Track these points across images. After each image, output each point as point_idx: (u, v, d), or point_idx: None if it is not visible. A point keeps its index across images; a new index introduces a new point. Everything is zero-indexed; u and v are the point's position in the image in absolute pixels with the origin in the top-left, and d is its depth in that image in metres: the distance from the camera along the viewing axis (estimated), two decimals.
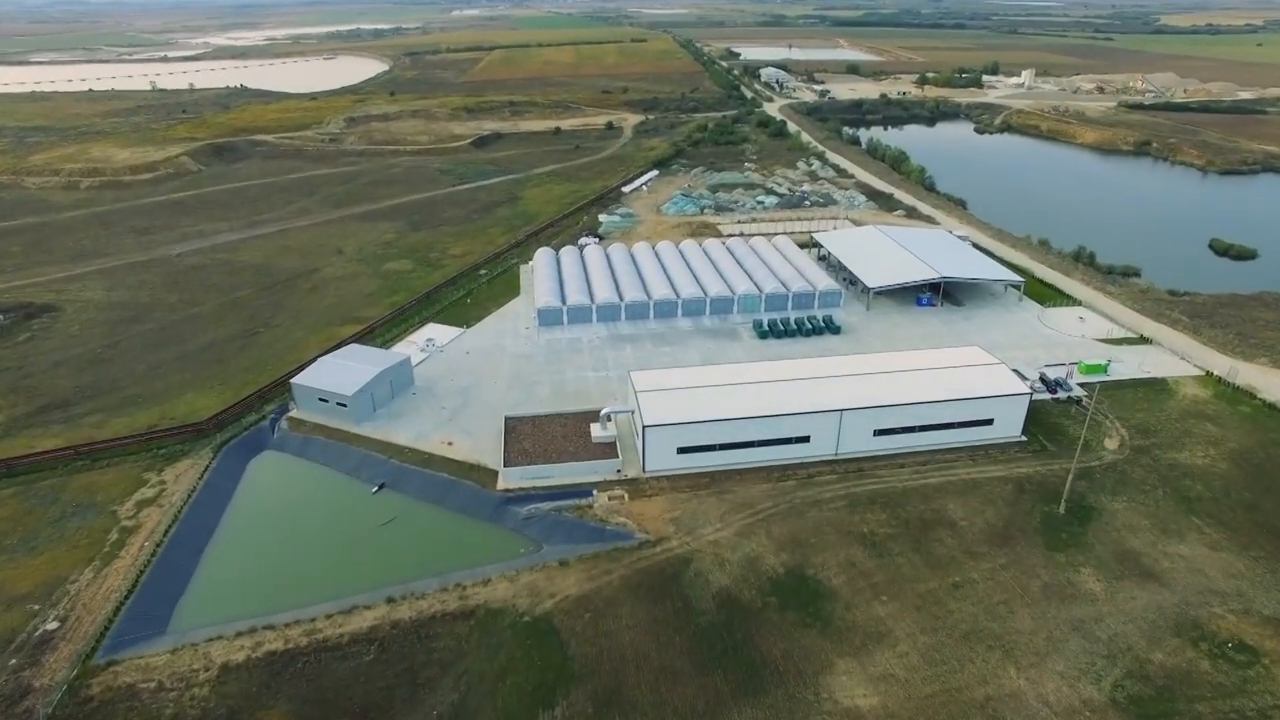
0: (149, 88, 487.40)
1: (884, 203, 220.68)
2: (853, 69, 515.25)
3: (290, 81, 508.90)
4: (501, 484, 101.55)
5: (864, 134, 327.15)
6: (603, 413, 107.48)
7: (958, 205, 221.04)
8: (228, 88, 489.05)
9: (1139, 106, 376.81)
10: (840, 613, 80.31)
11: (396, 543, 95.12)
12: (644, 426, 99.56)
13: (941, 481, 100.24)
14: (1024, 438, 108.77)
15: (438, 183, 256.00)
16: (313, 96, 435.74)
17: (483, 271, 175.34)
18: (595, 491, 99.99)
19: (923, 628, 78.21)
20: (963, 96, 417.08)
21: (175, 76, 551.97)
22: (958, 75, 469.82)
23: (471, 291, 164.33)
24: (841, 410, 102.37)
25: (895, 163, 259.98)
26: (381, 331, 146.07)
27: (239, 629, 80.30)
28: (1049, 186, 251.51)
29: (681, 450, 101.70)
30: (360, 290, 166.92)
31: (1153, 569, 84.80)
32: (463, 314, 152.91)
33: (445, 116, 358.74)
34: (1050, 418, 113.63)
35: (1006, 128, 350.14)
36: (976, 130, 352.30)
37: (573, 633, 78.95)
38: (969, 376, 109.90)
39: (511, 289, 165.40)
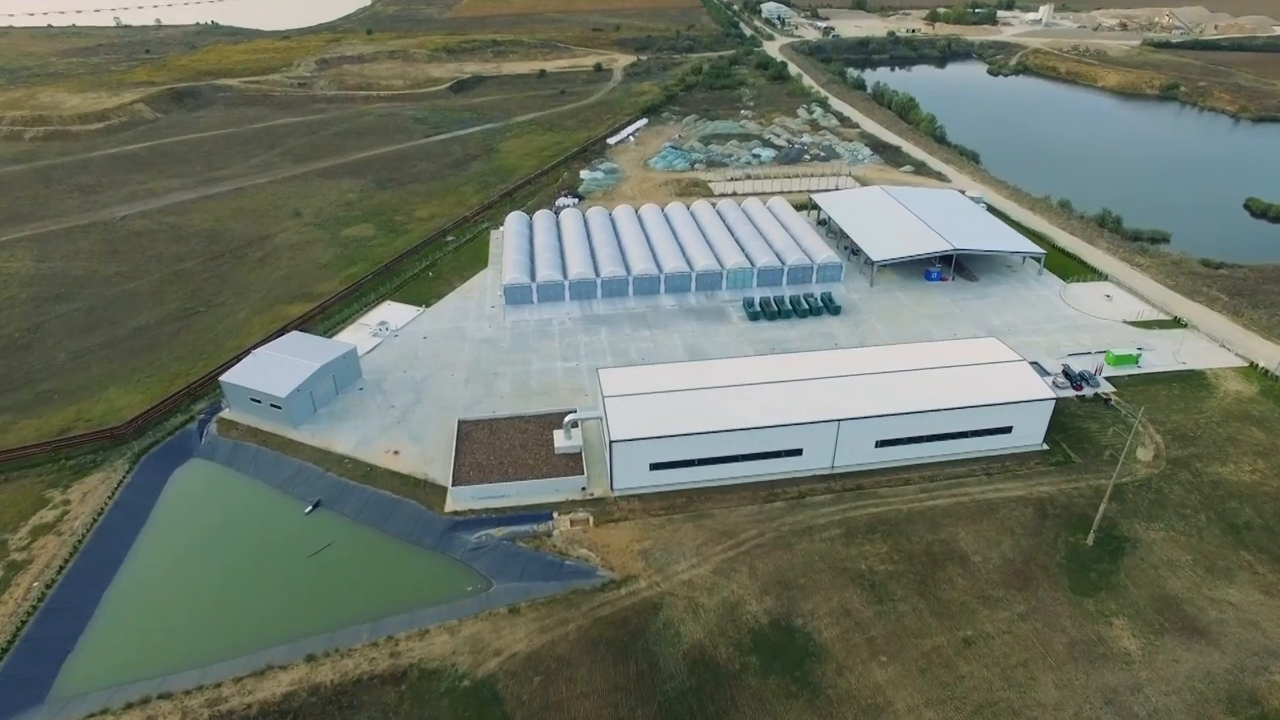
0: (113, 24, 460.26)
1: (890, 156, 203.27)
2: (859, 3, 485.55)
3: (265, 17, 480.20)
4: (450, 505, 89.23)
5: (870, 76, 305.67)
6: (567, 419, 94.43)
7: (970, 160, 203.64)
8: (197, 24, 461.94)
9: (1165, 45, 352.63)
10: (832, 677, 68.69)
11: (327, 578, 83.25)
12: (611, 442, 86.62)
13: (951, 503, 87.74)
14: (1045, 446, 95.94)
15: (410, 133, 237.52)
16: (285, 35, 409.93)
17: (450, 238, 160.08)
18: (556, 514, 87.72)
19: (929, 698, 66.68)
20: (975, 34, 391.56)
21: (144, 11, 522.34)
22: (970, 11, 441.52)
23: (435, 263, 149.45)
24: (839, 420, 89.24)
25: (903, 110, 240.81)
26: (334, 311, 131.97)
27: (130, 698, 68.88)
28: (1068, 137, 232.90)
29: (655, 466, 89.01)
30: (314, 260, 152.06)
31: (1198, 621, 72.88)
32: (423, 290, 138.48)
33: (424, 58, 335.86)
34: (1075, 420, 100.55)
35: (1022, 69, 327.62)
36: (990, 72, 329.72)
37: (518, 702, 67.52)
38: (985, 376, 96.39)
39: (479, 258, 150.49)
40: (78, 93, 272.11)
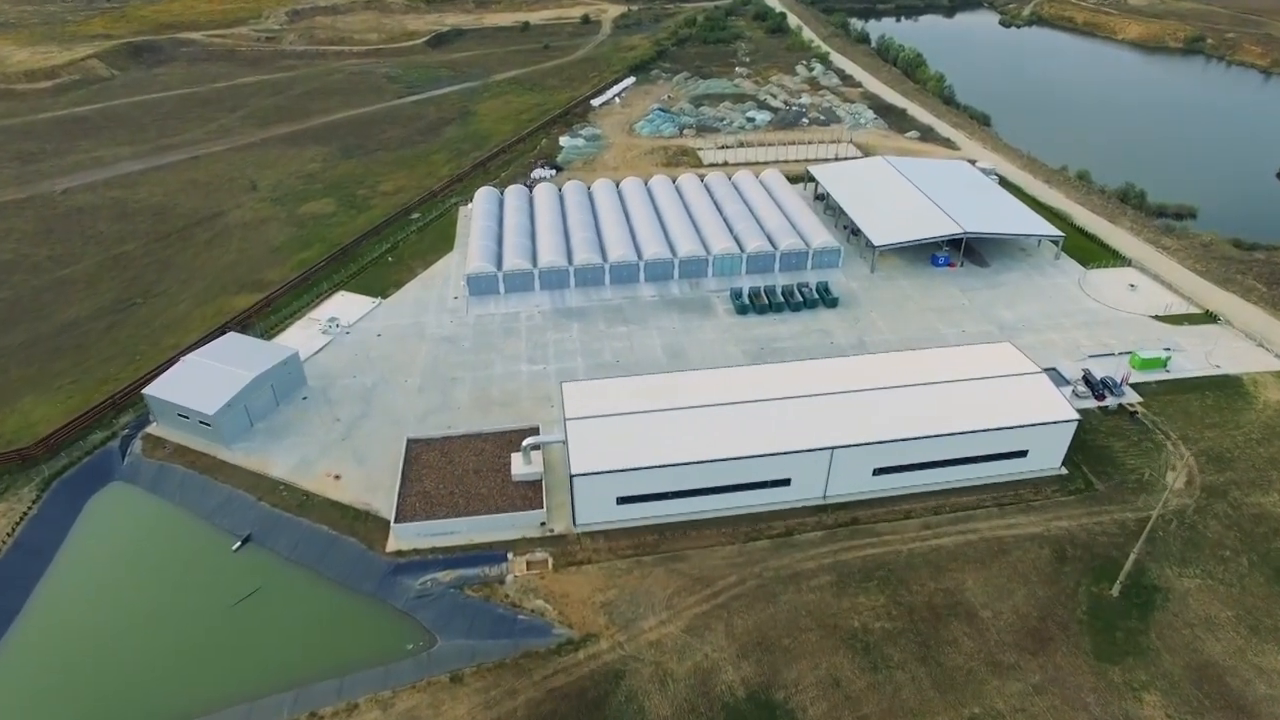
0: None
1: (895, 120, 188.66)
2: None
3: None
4: (392, 544, 79.19)
5: (875, 28, 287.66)
6: (526, 443, 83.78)
7: (981, 124, 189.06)
8: None
9: None
10: None
11: (251, 633, 73.54)
12: (572, 476, 76.12)
13: (958, 542, 77.59)
14: (1064, 470, 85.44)
15: (382, 93, 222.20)
16: None
17: (415, 215, 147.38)
18: (511, 555, 77.73)
19: None
20: None
21: None
22: None
23: (398, 245, 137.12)
24: (832, 448, 78.54)
25: (909, 68, 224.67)
26: (282, 303, 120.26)
27: None
28: (1085, 96, 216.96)
29: (623, 500, 78.69)
30: (267, 242, 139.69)
31: (1244, 698, 63.22)
32: (382, 277, 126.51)
33: (401, 9, 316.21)
34: (1097, 437, 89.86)
35: (1036, 19, 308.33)
36: (1002, 23, 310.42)
37: None
38: (998, 392, 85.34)
39: (445, 239, 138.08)
40: (27, 45, 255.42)
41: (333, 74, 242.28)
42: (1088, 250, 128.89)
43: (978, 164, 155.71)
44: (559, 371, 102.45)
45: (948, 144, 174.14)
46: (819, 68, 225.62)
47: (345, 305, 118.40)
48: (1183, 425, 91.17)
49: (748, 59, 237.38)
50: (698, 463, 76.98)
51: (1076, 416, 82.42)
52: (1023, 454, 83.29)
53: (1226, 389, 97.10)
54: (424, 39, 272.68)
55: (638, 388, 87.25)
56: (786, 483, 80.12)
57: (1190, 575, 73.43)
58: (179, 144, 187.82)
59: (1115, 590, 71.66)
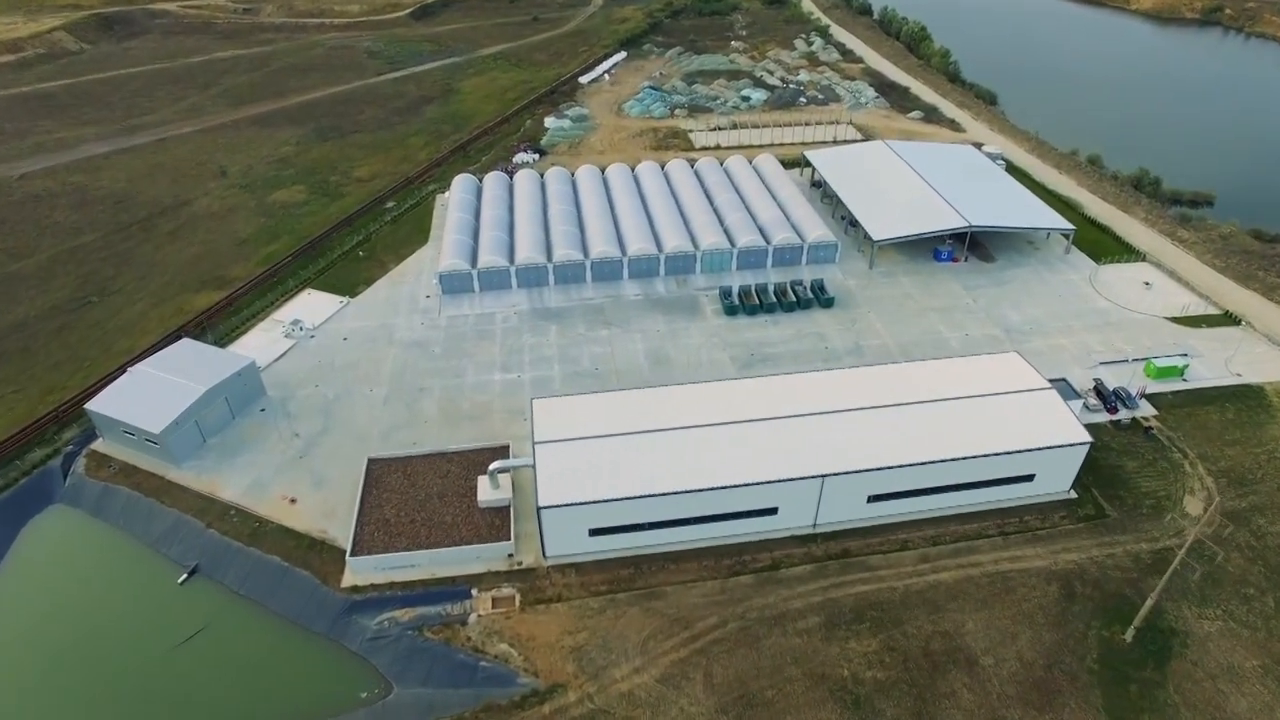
0: None
1: (898, 99, 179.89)
2: None
3: None
4: (348, 579, 73.40)
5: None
6: (492, 467, 77.62)
7: (986, 103, 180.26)
8: None
9: None
10: None
11: (194, 679, 68.01)
12: (540, 508, 70.02)
13: (958, 577, 71.69)
14: (1073, 494, 79.34)
15: (362, 70, 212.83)
16: None
17: (390, 204, 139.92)
18: (476, 591, 71.97)
19: None
20: None
21: None
22: None
23: (370, 237, 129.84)
24: (823, 476, 72.33)
25: (913, 42, 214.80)
26: (244, 303, 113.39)
27: None
28: (1096, 72, 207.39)
29: (596, 532, 72.70)
30: (234, 234, 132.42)
31: None
32: (351, 274, 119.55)
33: None
34: (1108, 455, 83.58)
35: None
36: None
37: None
38: (1004, 411, 78.87)
39: (421, 230, 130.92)
40: None
41: (312, 48, 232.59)
42: (1099, 243, 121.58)
43: (984, 148, 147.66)
44: (534, 380, 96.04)
45: (953, 126, 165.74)
46: (818, 42, 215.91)
47: (311, 305, 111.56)
48: (1201, 442, 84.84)
49: (744, 32, 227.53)
50: (676, 493, 70.84)
51: (1088, 439, 76.00)
52: (1029, 478, 77.12)
53: (1248, 401, 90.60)
54: (408, 10, 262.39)
55: (614, 405, 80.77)
56: (773, 511, 74.06)
57: (1211, 617, 67.62)
58: (147, 124, 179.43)
59: (1129, 635, 65.92)
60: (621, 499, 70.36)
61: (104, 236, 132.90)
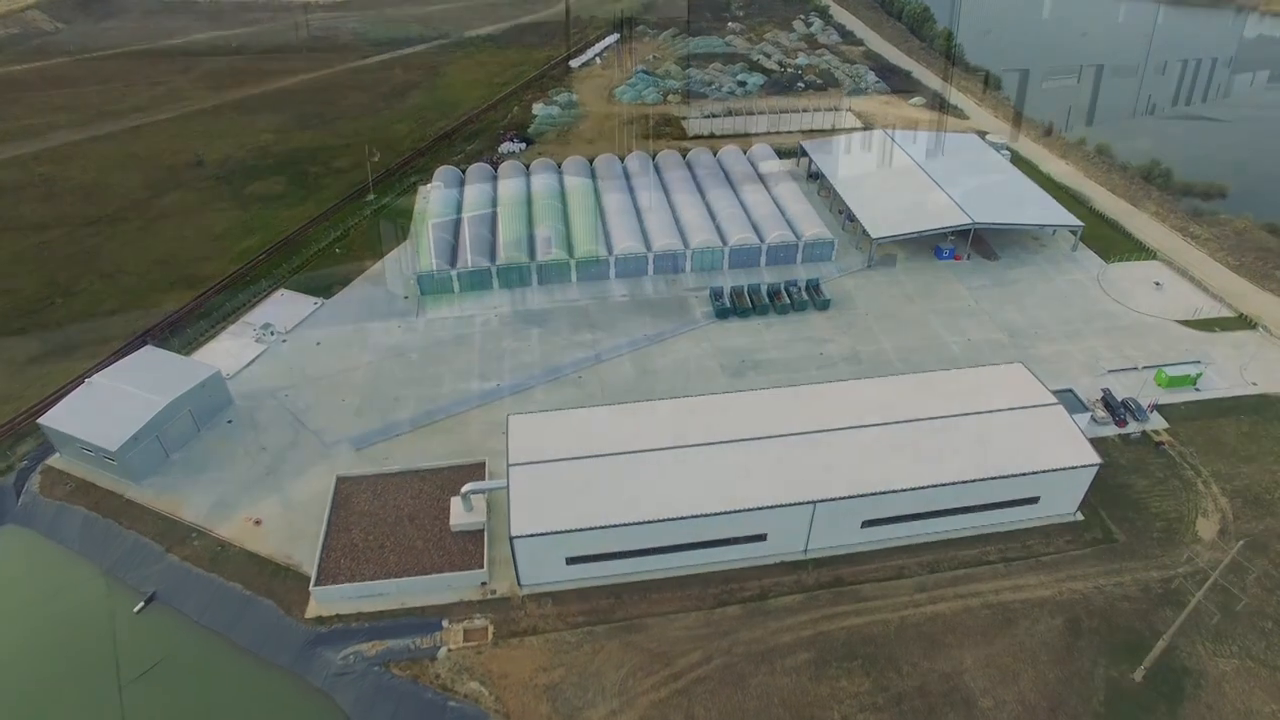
0: None
1: (899, 83, 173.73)
2: None
3: None
4: (313, 609, 69.43)
5: None
6: (465, 489, 73.41)
7: (991, 88, 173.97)
8: None
9: None
10: None
11: (146, 712, 64.26)
12: (513, 538, 65.83)
13: (956, 609, 67.67)
14: (1080, 516, 75.16)
15: (347, 52, 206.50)
16: None
17: (370, 197, 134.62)
18: (446, 622, 68.02)
19: None
20: None
21: None
22: None
23: (348, 232, 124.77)
24: (814, 502, 68.08)
25: (915, 23, 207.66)
26: (215, 304, 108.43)
27: None
28: (1102, 55, 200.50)
29: (573, 560, 68.59)
30: (208, 229, 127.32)
31: None
32: (328, 271, 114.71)
33: None
34: (1117, 473, 79.20)
35: None
36: None
37: None
38: (1007, 429, 74.42)
39: (400, 226, 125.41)
40: None
41: (298, 29, 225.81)
42: (1108, 240, 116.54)
43: (987, 136, 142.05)
44: (514, 389, 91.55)
45: (956, 113, 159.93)
46: (817, 23, 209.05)
47: (285, 306, 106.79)
48: (1214, 459, 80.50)
49: (741, 12, 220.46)
50: (658, 521, 66.62)
51: (1097, 460, 71.64)
52: (1033, 500, 72.91)
53: (1264, 413, 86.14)
54: None
55: (595, 421, 76.33)
56: (762, 538, 69.93)
57: (1226, 655, 63.64)
58: (121, 110, 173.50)
59: (1139, 675, 61.99)
60: (600, 527, 66.14)
61: (72, 231, 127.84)
